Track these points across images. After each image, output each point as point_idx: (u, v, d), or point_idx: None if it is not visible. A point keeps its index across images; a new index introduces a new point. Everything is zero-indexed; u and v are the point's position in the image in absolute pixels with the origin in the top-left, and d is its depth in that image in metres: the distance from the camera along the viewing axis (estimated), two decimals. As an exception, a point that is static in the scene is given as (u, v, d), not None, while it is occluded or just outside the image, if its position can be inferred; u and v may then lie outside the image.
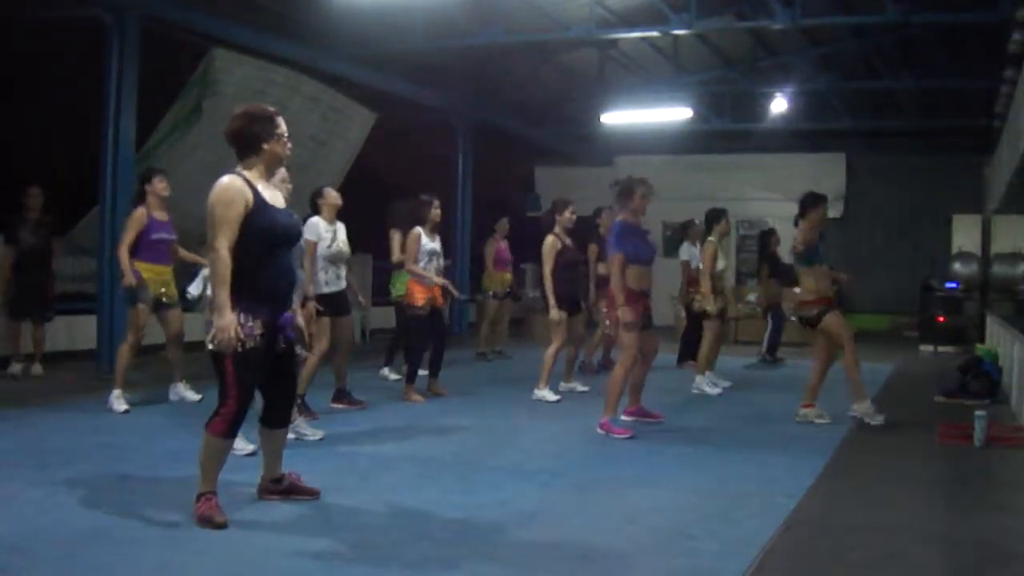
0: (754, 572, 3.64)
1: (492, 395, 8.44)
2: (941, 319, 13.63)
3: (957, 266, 14.57)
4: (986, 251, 14.97)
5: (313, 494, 4.54)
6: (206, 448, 4.14)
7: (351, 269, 7.32)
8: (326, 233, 6.75)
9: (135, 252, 7.02)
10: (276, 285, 4.20)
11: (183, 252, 7.51)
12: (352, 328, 7.81)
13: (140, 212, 7.06)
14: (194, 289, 6.94)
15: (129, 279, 6.96)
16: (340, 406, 7.25)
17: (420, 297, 7.73)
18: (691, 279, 9.73)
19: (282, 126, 4.26)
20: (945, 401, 8.26)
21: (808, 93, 14.74)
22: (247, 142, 4.19)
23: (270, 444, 4.50)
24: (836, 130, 16.37)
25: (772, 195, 17.03)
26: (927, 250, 16.73)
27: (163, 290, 7.17)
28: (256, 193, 4.12)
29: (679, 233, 10.95)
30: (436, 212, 7.88)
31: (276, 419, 4.44)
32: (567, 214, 8.13)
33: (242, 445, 5.16)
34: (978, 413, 6.25)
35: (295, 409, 5.30)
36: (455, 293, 8.53)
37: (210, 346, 4.03)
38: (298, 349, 4.60)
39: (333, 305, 6.80)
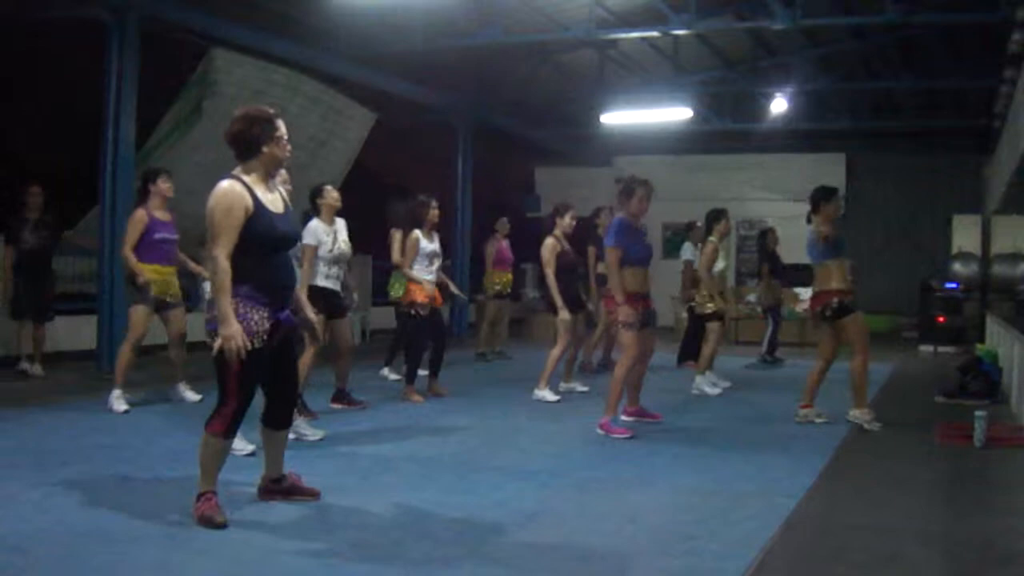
0: (754, 572, 3.64)
1: (492, 395, 8.44)
2: (941, 319, 13.62)
3: (957, 266, 14.57)
4: (986, 251, 14.97)
5: (313, 495, 4.53)
6: (205, 448, 4.14)
7: (351, 269, 7.30)
8: (326, 236, 6.67)
9: (138, 252, 7.00)
10: (276, 284, 4.19)
11: (190, 264, 7.47)
12: (350, 330, 7.79)
13: (140, 213, 7.04)
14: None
15: (144, 277, 6.96)
16: (340, 406, 7.25)
17: (420, 297, 7.73)
18: (693, 279, 9.73)
19: (281, 128, 4.24)
20: (945, 401, 8.27)
21: (808, 93, 14.72)
22: (246, 145, 4.18)
23: (271, 445, 4.49)
24: (836, 130, 16.38)
25: (772, 195, 17.06)
26: (927, 250, 16.75)
27: (167, 290, 7.17)
28: (255, 198, 4.10)
29: (682, 234, 10.97)
30: (434, 213, 7.88)
31: (277, 420, 4.44)
32: (568, 219, 8.19)
33: (242, 445, 5.17)
34: (978, 413, 6.24)
35: (295, 409, 5.29)
36: (457, 292, 8.51)
37: (215, 352, 4.03)
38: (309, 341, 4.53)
39: (328, 303, 6.69)
